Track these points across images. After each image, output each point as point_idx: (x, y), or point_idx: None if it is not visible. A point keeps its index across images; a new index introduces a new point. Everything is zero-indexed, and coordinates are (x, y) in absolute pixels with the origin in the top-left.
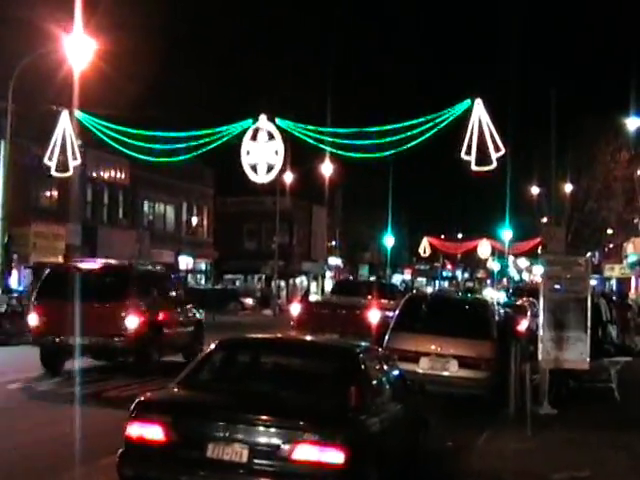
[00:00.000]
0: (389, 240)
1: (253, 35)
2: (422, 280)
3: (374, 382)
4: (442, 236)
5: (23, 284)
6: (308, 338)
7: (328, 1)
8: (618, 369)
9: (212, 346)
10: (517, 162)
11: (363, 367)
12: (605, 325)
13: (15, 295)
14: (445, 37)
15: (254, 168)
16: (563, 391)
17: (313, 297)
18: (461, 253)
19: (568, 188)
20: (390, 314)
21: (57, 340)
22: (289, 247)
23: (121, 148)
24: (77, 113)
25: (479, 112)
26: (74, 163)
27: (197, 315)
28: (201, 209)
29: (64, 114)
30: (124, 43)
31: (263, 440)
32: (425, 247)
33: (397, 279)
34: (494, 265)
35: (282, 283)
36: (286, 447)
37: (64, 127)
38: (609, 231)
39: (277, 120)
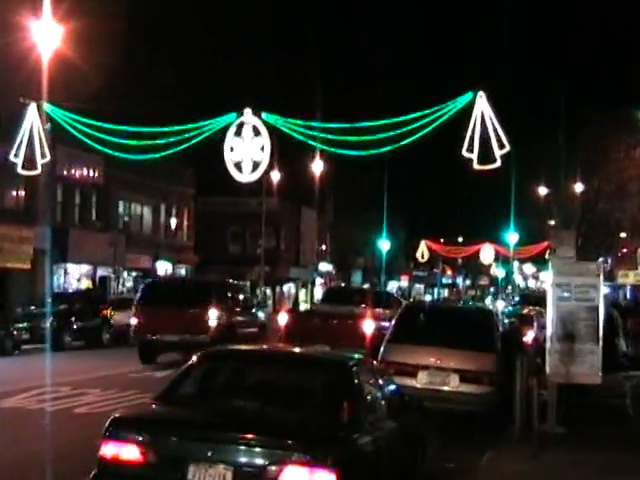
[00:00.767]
0: (384, 244)
1: (239, 23)
2: (420, 287)
3: (368, 398)
4: (442, 240)
5: None
6: (297, 350)
7: None
8: (633, 384)
9: (193, 359)
10: (523, 160)
11: (356, 381)
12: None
13: None
14: (446, 25)
15: (238, 166)
16: (573, 408)
17: (302, 306)
18: (462, 258)
19: (578, 188)
20: (386, 324)
21: (154, 338)
22: (276, 252)
23: (94, 144)
24: (46, 106)
25: (482, 106)
26: (43, 160)
27: (262, 318)
28: (181, 211)
29: (32, 107)
30: (97, 32)
31: (249, 461)
32: (423, 251)
33: (393, 286)
34: (498, 271)
35: (268, 291)
36: (273, 468)
37: (32, 121)
38: (622, 234)
39: (263, 114)
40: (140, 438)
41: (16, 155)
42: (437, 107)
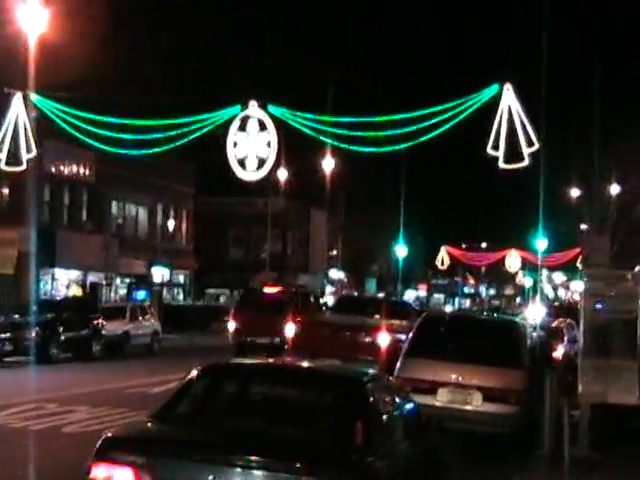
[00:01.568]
0: (400, 250)
1: (245, 12)
2: (439, 297)
3: (384, 417)
4: (463, 245)
5: None
6: (306, 364)
7: None
8: None
9: (193, 373)
10: (553, 159)
11: (371, 399)
12: None
13: None
14: (470, 11)
15: (242, 163)
16: (607, 431)
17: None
18: (486, 266)
19: (614, 190)
20: (402, 337)
21: (248, 340)
22: (283, 257)
23: (85, 138)
24: (33, 96)
25: (509, 99)
26: (28, 155)
27: None
28: (179, 211)
29: (17, 97)
30: (89, 18)
31: None
32: (443, 258)
33: (410, 295)
34: (525, 280)
35: None
36: None
37: (17, 112)
38: None
39: (269, 107)
40: (135, 460)
41: None
42: (459, 100)
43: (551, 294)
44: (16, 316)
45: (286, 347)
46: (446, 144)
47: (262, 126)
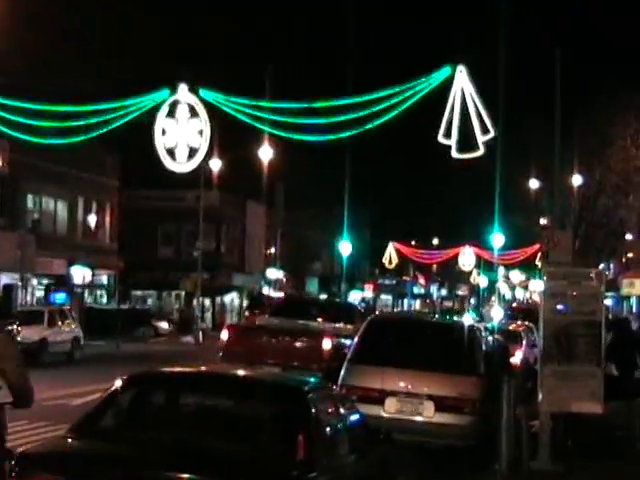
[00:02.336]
0: (345, 247)
1: None
2: (387, 298)
3: (327, 429)
4: (413, 242)
5: None
6: (242, 372)
7: None
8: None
9: (118, 382)
10: (510, 148)
11: (313, 410)
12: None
13: None
14: None
15: (171, 153)
16: (569, 442)
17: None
18: (437, 264)
19: (576, 181)
20: (347, 342)
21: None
22: (216, 255)
23: None
24: None
25: (462, 83)
26: None
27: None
28: (102, 206)
29: None
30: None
31: None
32: (391, 256)
33: (355, 297)
34: (480, 279)
35: (207, 302)
36: None
37: None
38: (628, 236)
39: (201, 91)
40: (52, 478)
41: None
42: (408, 84)
43: (508, 294)
44: None
45: (220, 354)
46: (394, 132)
47: (193, 112)
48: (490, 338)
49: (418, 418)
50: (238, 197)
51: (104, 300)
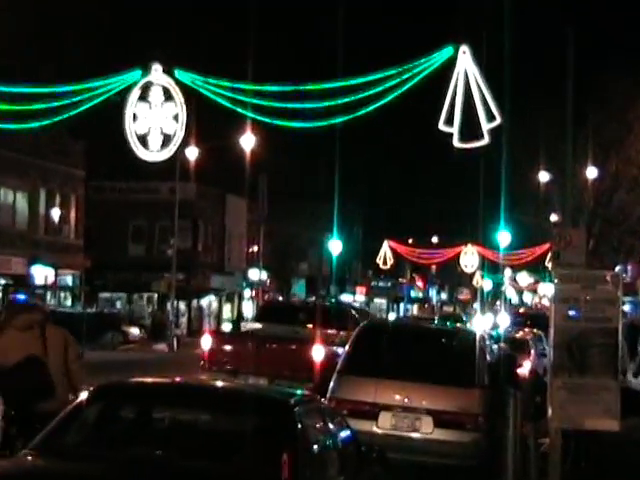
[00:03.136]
0: (335, 246)
1: None
2: (381, 302)
3: (314, 447)
4: (410, 240)
5: None
6: (222, 384)
7: None
8: None
9: (83, 395)
10: (518, 137)
11: (299, 426)
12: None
13: None
14: None
15: (143, 140)
16: (583, 462)
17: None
18: (437, 265)
19: (590, 173)
20: (340, 350)
21: None
22: (193, 254)
23: None
24: None
25: (465, 64)
26: None
27: None
28: (67, 198)
29: None
30: None
31: None
32: (386, 255)
33: (346, 300)
34: (484, 282)
35: (182, 306)
36: None
37: None
38: None
39: (177, 72)
40: None
41: None
42: (406, 66)
43: (515, 299)
44: None
45: (201, 363)
46: (390, 119)
47: (168, 95)
48: (495, 347)
49: (415, 435)
50: (217, 190)
51: (68, 303)
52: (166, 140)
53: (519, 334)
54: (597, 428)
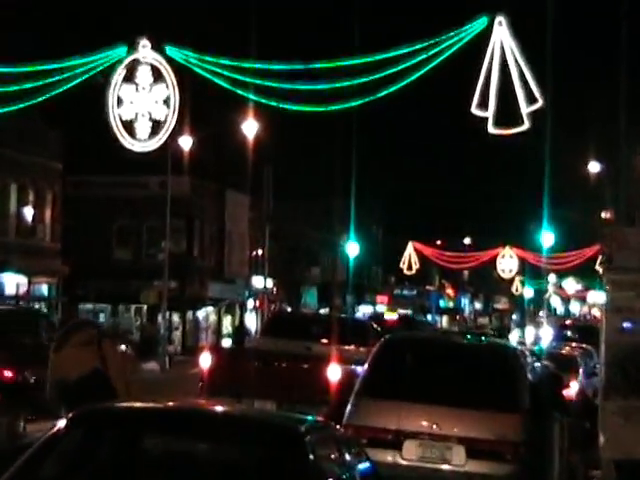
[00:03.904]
0: (351, 249)
1: None
2: (405, 313)
3: None
4: (438, 242)
5: None
6: (222, 408)
7: None
8: None
9: (61, 422)
10: (564, 122)
11: (311, 457)
12: None
13: None
14: None
15: (129, 128)
16: None
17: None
18: (469, 270)
19: None
20: (358, 369)
21: None
22: (187, 259)
23: None
24: None
25: (502, 37)
26: None
27: None
28: (42, 195)
29: None
30: None
31: None
32: (411, 259)
33: (365, 311)
34: (524, 290)
35: (175, 318)
36: None
37: None
38: None
39: (168, 49)
40: None
41: None
42: (433, 40)
43: (561, 309)
44: None
45: (199, 384)
46: (415, 102)
47: (157, 75)
48: (537, 365)
49: (445, 467)
50: (215, 185)
51: None
52: (156, 127)
53: (565, 350)
54: None
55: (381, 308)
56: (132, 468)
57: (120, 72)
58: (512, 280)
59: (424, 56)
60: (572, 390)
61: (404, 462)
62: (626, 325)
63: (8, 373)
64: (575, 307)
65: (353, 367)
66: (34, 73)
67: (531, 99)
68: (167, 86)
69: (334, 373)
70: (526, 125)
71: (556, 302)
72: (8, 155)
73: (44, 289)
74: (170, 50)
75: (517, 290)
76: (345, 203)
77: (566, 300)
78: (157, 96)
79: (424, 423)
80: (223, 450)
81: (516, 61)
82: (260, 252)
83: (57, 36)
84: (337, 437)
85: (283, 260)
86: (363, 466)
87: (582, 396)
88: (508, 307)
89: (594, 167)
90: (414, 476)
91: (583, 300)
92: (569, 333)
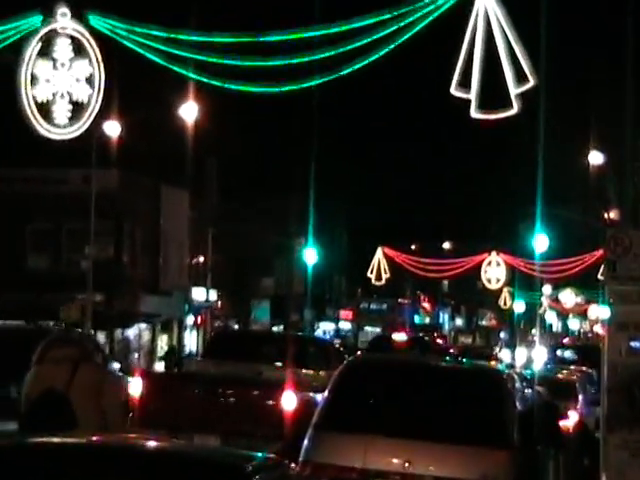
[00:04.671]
0: (310, 255)
1: None
2: (373, 331)
3: None
4: (413, 247)
5: None
6: (154, 444)
7: None
8: None
9: None
10: (559, 105)
11: None
12: None
13: None
14: None
15: (45, 111)
16: None
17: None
18: (450, 279)
19: None
20: (318, 397)
21: None
22: (116, 267)
23: None
24: None
25: (486, 3)
26: None
27: None
28: None
29: None
30: None
31: None
32: (380, 267)
33: (326, 329)
34: (514, 303)
35: (101, 337)
36: None
37: None
38: None
39: (91, 18)
40: None
41: None
42: (404, 8)
43: (557, 325)
44: None
45: (129, 415)
46: (385, 81)
47: (79, 49)
48: (529, 392)
49: None
50: (149, 179)
51: None
52: (77, 111)
53: (562, 374)
54: None
55: (346, 325)
56: None
57: (34, 45)
58: (500, 292)
59: (395, 27)
60: (569, 421)
61: None
62: (634, 345)
63: None
64: (574, 323)
65: (312, 394)
66: None
67: (521, 78)
68: (90, 62)
69: (289, 401)
70: (515, 108)
71: (551, 318)
72: None
73: None
74: (93, 19)
75: (506, 303)
76: (304, 201)
77: (563, 315)
78: (78, 73)
79: (395, 461)
80: None
81: (503, 32)
82: (202, 259)
83: None
84: (292, 477)
85: (229, 269)
86: None
87: (581, 428)
88: (495, 323)
89: (596, 158)
90: None
91: (583, 315)
92: (567, 354)
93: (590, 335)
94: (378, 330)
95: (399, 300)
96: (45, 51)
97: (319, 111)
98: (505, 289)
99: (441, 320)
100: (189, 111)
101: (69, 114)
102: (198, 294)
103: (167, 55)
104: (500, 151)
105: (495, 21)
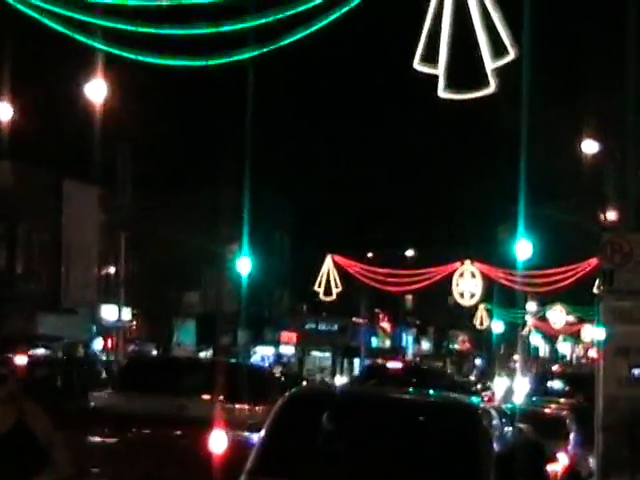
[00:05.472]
0: (244, 265)
1: None
2: (323, 357)
3: None
4: (369, 255)
5: None
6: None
7: None
8: None
9: None
10: (547, 83)
11: None
12: None
13: None
14: None
15: None
16: None
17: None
18: (414, 293)
19: None
20: (253, 437)
21: None
22: (7, 279)
23: None
24: None
25: None
26: None
27: None
28: None
29: None
30: None
31: None
32: (330, 279)
33: (265, 353)
34: (492, 322)
35: None
36: None
37: None
38: None
39: None
40: None
41: None
42: None
43: (544, 349)
44: None
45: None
46: (335, 54)
47: None
48: (509, 430)
49: None
50: (49, 173)
51: None
52: None
53: (550, 408)
54: None
55: (288, 349)
56: None
57: None
58: (475, 309)
59: None
60: (558, 465)
61: None
62: (636, 373)
63: None
64: (565, 347)
65: (246, 434)
66: None
67: (499, 50)
68: None
69: (218, 443)
70: (492, 87)
71: (537, 340)
72: None
73: None
74: None
75: (482, 323)
76: (237, 200)
77: (551, 337)
78: None
79: None
80: None
81: None
82: (114, 270)
83: None
84: None
85: (147, 281)
86: None
87: (572, 473)
88: (469, 347)
89: (590, 147)
90: None
91: (576, 337)
92: (556, 384)
93: (584, 361)
94: (328, 355)
95: (353, 319)
96: None
97: (255, 90)
98: (481, 306)
99: (404, 343)
100: (97, 90)
101: None
102: (108, 312)
103: (69, 21)
104: (475, 138)
105: None
